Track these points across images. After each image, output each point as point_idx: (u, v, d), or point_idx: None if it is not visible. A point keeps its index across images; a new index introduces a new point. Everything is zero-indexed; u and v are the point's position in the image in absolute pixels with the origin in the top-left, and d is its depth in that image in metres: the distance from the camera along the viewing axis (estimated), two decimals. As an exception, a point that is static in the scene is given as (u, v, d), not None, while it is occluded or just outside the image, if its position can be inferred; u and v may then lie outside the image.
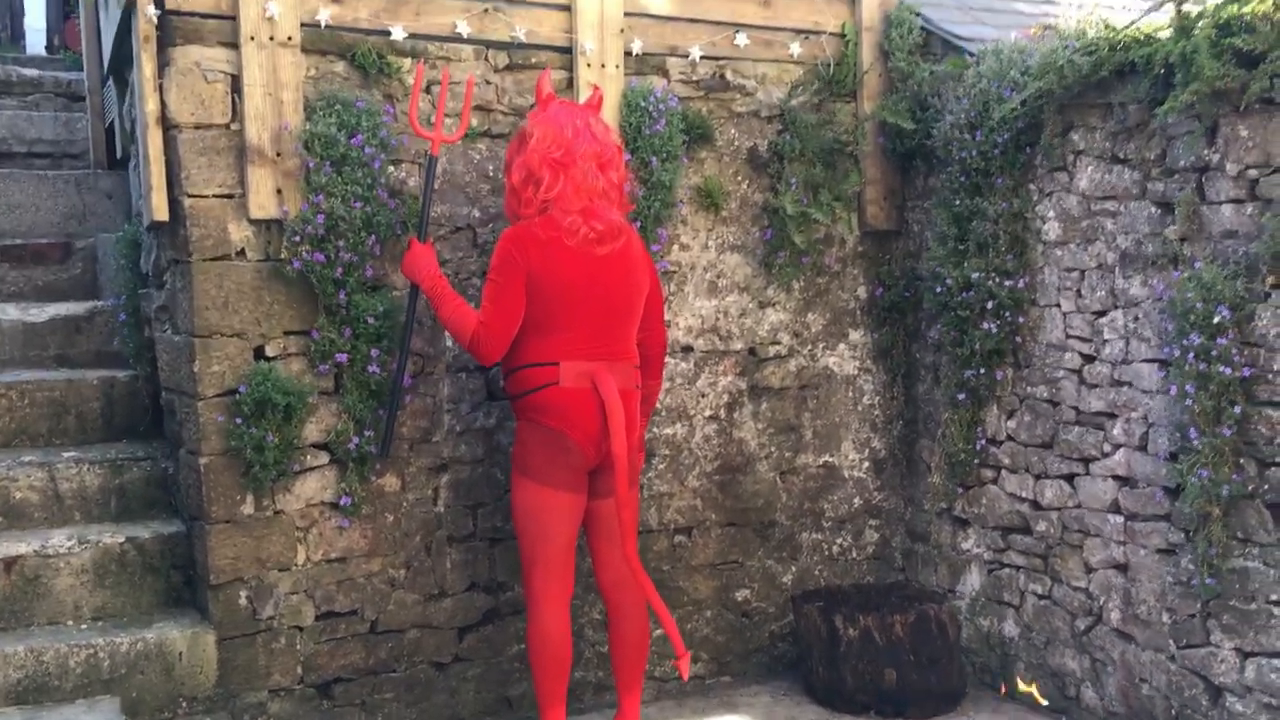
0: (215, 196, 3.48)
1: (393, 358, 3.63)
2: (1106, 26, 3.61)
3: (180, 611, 3.65)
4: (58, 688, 3.34)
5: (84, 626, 3.52)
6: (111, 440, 4.08)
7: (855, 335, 4.49)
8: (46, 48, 8.29)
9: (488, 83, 3.85)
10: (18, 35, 8.71)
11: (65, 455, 3.85)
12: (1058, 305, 3.87)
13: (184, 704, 3.45)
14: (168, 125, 3.44)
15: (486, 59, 3.86)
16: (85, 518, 3.78)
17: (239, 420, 3.45)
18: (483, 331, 3.34)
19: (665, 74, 4.11)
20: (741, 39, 4.18)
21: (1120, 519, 3.65)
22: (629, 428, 3.37)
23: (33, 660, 3.33)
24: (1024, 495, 4.01)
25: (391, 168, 3.68)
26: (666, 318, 3.71)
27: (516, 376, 3.41)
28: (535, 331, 3.36)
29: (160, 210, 3.46)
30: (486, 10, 3.82)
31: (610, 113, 3.89)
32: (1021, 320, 3.95)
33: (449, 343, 3.79)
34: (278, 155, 3.49)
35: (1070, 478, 3.84)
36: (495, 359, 3.39)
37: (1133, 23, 3.51)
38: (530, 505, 3.40)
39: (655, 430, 4.13)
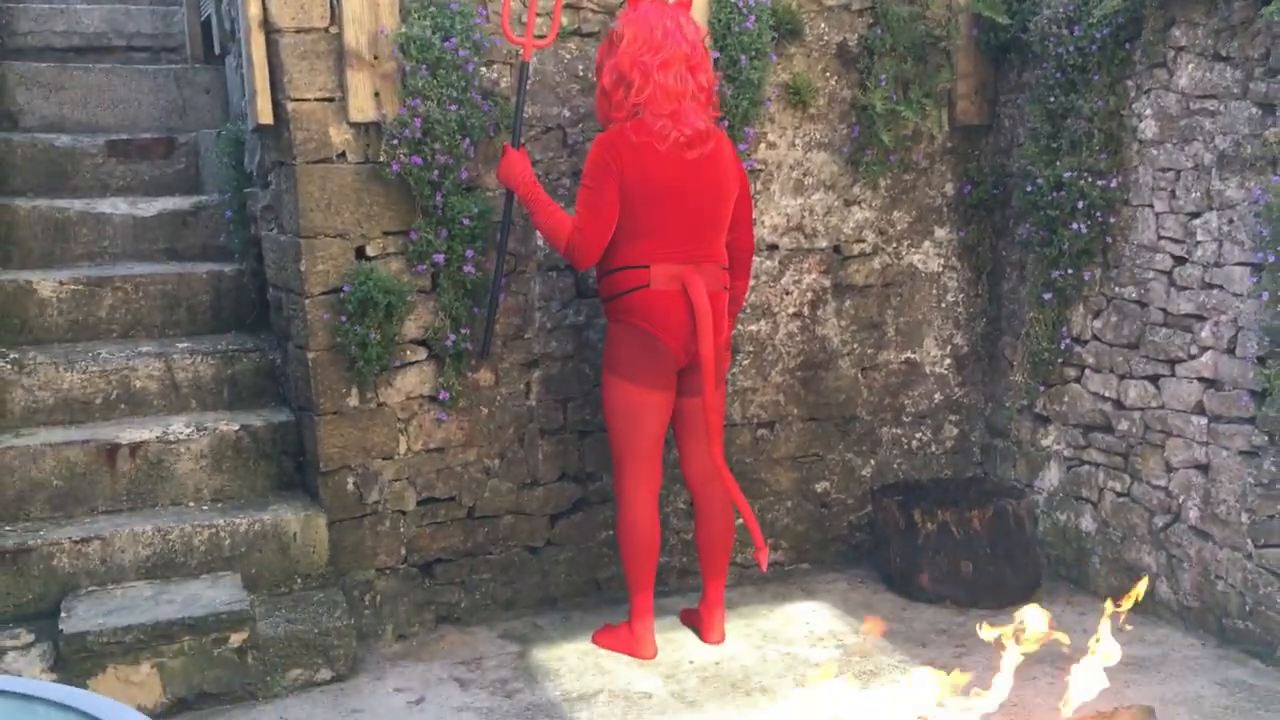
0: (316, 100, 3.56)
1: (487, 258, 3.74)
2: (1216, -83, 3.48)
3: (292, 495, 3.86)
4: (183, 564, 3.58)
5: (205, 508, 3.74)
6: (221, 332, 4.26)
7: (941, 232, 4.49)
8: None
9: (578, -20, 3.85)
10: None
11: (179, 346, 4.05)
12: (1151, 206, 3.83)
13: (299, 580, 3.68)
14: (270, 29, 3.52)
15: (576, -44, 3.85)
16: (200, 406, 3.99)
17: (343, 318, 3.60)
18: (578, 237, 3.41)
19: (755, -32, 4.06)
20: (833, -70, 4.11)
21: (1204, 420, 3.67)
22: (716, 329, 3.45)
23: (160, 538, 3.56)
24: (1107, 394, 4.04)
25: (484, 69, 3.72)
26: (752, 216, 3.76)
27: (609, 279, 3.49)
28: (627, 235, 3.42)
29: (265, 114, 3.56)
30: (576, -94, 3.80)
31: (699, 9, 3.87)
32: (1113, 220, 3.92)
33: (540, 242, 3.88)
34: (375, 59, 3.56)
35: (1155, 378, 3.85)
36: (590, 263, 3.46)
37: (1244, -86, 3.39)
38: (621, 403, 3.52)
39: (740, 327, 4.21)
